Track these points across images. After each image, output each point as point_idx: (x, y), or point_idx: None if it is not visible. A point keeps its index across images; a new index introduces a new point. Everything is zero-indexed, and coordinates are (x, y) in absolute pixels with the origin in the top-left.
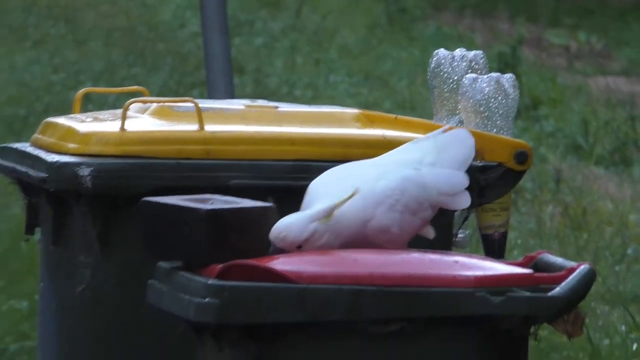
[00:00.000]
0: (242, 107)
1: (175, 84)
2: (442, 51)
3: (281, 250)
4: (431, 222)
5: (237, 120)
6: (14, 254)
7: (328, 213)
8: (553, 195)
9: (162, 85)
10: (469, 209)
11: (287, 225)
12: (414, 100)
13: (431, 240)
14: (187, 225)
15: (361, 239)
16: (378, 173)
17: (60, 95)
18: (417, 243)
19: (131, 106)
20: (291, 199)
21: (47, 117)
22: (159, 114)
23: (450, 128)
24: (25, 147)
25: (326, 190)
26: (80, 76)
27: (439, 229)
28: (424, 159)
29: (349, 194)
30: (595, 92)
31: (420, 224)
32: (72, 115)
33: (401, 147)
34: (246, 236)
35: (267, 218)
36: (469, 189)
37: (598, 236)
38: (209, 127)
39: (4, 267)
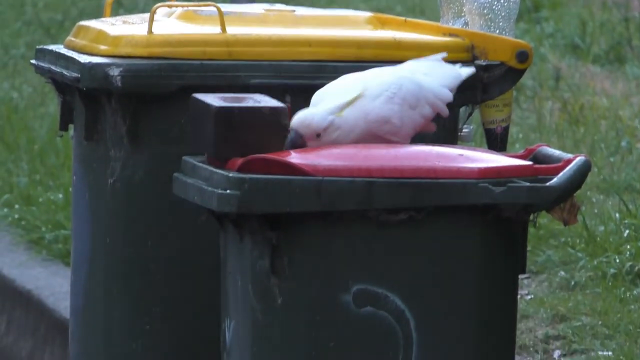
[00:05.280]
0: (262, 11)
1: None
2: None
3: (300, 139)
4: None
5: (257, 23)
6: (50, 149)
7: (340, 109)
8: (552, 92)
9: None
10: (474, 104)
11: (311, 114)
12: (423, 4)
13: (438, 134)
14: (204, 121)
15: (367, 136)
16: (377, 74)
17: (94, 0)
18: (425, 137)
19: (158, 10)
20: (307, 97)
21: (81, 21)
22: (184, 17)
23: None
24: (60, 48)
25: (336, 92)
26: None
27: (445, 124)
28: (419, 69)
29: (356, 94)
30: None
31: (422, 121)
32: (104, 19)
33: (401, 64)
34: (256, 133)
35: (278, 117)
36: (473, 86)
37: (594, 130)
38: (231, 30)
39: (41, 161)
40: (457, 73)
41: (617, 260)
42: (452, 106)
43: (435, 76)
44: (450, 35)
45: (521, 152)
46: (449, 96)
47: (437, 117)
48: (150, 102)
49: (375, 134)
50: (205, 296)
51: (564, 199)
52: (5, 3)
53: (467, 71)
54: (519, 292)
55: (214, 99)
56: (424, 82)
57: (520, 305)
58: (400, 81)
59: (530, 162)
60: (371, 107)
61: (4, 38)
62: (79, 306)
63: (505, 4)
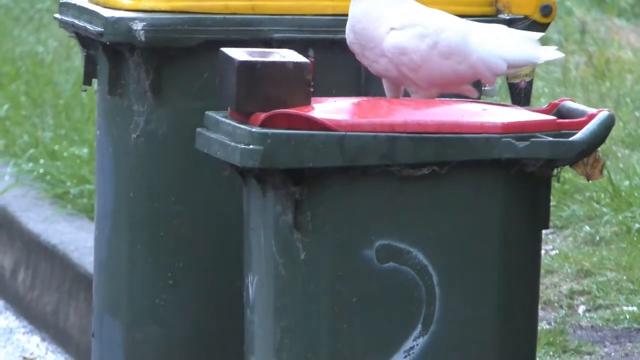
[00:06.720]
0: None
1: None
2: None
3: None
4: None
5: None
6: (76, 104)
7: None
8: (578, 45)
9: None
10: None
11: None
12: None
13: None
14: (228, 74)
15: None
16: (435, 13)
17: None
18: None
19: None
20: (330, 52)
21: None
22: None
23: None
24: (84, 3)
25: None
26: None
27: None
28: (484, 31)
29: None
30: None
31: (452, 76)
32: None
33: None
34: (279, 88)
35: (301, 72)
36: None
37: (620, 83)
38: None
39: (66, 116)
40: (533, 54)
41: None
42: None
43: (499, 45)
44: None
45: (545, 106)
46: (498, 68)
47: (478, 83)
48: (173, 57)
49: (393, 63)
50: (228, 251)
51: (587, 153)
52: None
53: (549, 55)
54: (544, 247)
55: (239, 53)
56: (474, 44)
57: (545, 260)
58: (445, 27)
59: (553, 117)
60: (398, 30)
61: None
62: (102, 261)
63: None
